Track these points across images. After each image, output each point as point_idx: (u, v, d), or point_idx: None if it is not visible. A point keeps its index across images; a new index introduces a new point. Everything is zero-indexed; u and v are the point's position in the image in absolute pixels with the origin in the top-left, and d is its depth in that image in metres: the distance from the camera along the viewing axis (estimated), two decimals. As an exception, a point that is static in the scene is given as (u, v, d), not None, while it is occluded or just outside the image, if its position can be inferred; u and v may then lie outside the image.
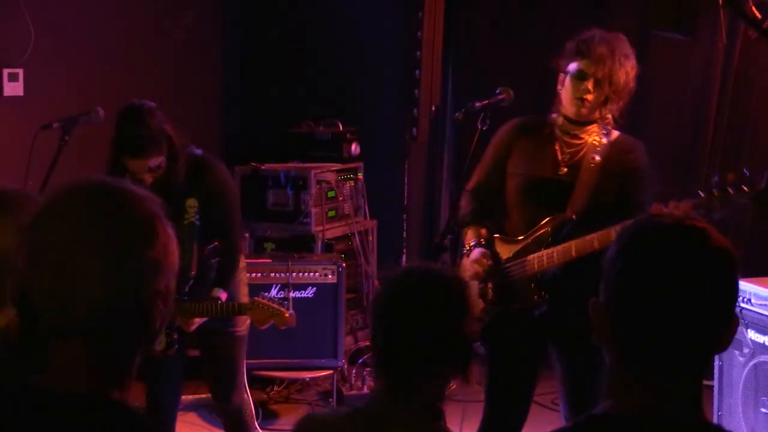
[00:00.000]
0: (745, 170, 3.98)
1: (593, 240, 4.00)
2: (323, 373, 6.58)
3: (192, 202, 4.53)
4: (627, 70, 4.17)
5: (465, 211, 4.42)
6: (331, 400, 6.47)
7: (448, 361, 2.60)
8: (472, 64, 7.64)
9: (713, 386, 5.20)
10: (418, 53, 7.65)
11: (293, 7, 7.99)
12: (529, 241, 4.19)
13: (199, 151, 4.64)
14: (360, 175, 7.33)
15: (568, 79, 4.17)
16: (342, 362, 6.47)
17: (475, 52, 7.67)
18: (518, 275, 4.20)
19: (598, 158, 4.17)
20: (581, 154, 4.20)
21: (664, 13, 4.93)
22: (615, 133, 4.27)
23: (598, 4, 7.29)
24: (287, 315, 4.63)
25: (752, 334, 4.97)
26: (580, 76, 4.14)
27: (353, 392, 6.58)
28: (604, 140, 4.22)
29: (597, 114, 4.21)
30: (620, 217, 3.95)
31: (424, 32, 7.61)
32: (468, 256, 4.23)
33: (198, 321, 4.56)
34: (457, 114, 4.35)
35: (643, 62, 7.15)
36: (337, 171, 7.19)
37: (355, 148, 7.40)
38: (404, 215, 7.69)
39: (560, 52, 4.26)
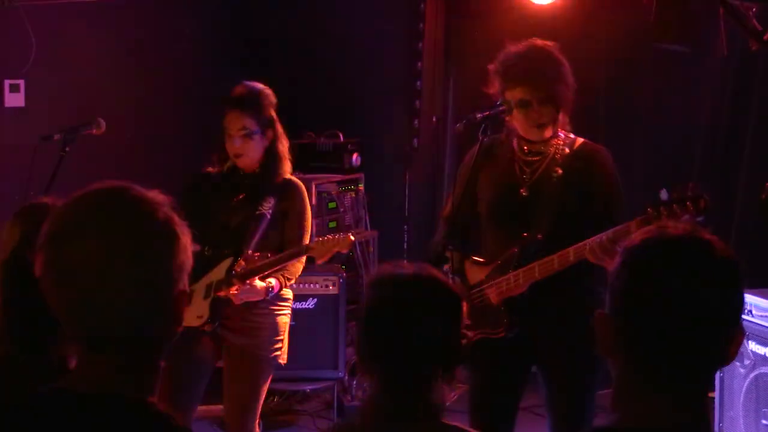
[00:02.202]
0: (690, 186, 3.90)
1: (553, 260, 3.98)
2: (324, 385, 6.58)
3: (270, 200, 4.66)
4: (563, 77, 4.14)
5: (438, 238, 4.41)
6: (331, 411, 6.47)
7: (439, 361, 2.59)
8: (473, 75, 7.64)
9: (714, 398, 5.19)
10: (420, 64, 7.66)
11: (294, 18, 7.99)
12: (499, 263, 4.16)
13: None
14: (361, 186, 7.34)
15: (514, 109, 4.14)
16: (343, 373, 6.46)
17: (476, 63, 7.66)
18: (488, 299, 4.18)
19: (559, 171, 4.13)
20: (542, 170, 4.17)
21: (667, 25, 4.93)
22: (578, 141, 4.23)
23: (598, 15, 7.30)
24: (351, 238, 4.68)
25: (753, 346, 4.96)
26: (524, 105, 4.11)
27: (354, 403, 6.57)
28: (567, 150, 4.18)
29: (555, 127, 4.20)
30: (590, 231, 3.94)
31: (425, 43, 7.63)
32: None
33: (248, 285, 4.54)
34: (458, 125, 4.36)
35: (642, 73, 7.21)
36: (338, 182, 7.19)
37: (356, 159, 7.40)
38: (405, 226, 7.69)
39: (486, 77, 4.22)
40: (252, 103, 4.67)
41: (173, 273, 1.79)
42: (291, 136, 7.55)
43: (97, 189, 1.81)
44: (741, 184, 6.84)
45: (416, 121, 7.70)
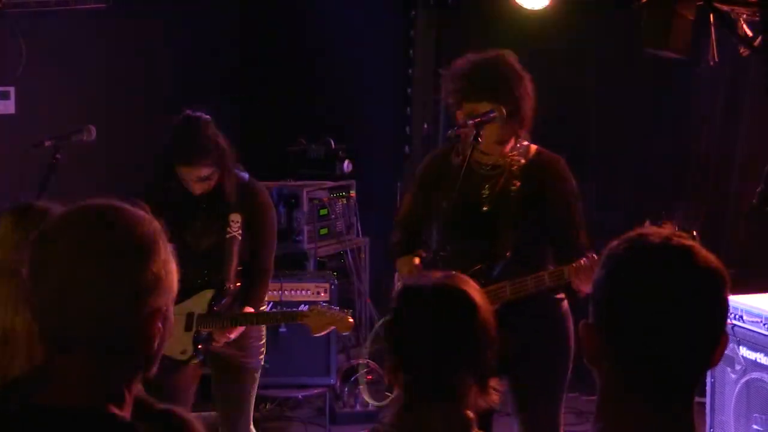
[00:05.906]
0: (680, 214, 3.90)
1: (526, 281, 3.96)
2: (316, 391, 6.57)
3: (236, 217, 4.56)
4: (528, 91, 4.06)
5: (395, 241, 4.40)
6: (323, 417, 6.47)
7: (467, 370, 2.56)
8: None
9: (705, 403, 5.20)
10: (411, 71, 7.67)
11: (288, 27, 8.01)
12: None
13: (246, 175, 4.69)
14: (352, 193, 7.34)
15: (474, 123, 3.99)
16: (334, 380, 6.46)
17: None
18: None
19: (517, 184, 4.09)
20: (500, 184, 4.12)
21: (656, 31, 4.93)
22: (532, 149, 4.18)
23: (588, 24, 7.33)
24: (350, 320, 4.59)
25: (744, 351, 4.97)
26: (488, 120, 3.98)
27: (346, 410, 6.56)
28: (522, 160, 4.13)
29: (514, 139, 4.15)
30: (553, 243, 3.98)
31: (416, 50, 7.64)
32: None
33: (236, 332, 4.53)
34: (449, 132, 4.32)
35: (633, 80, 7.23)
36: (330, 189, 7.19)
37: (347, 165, 7.40)
38: (397, 233, 7.69)
39: (438, 86, 4.15)
40: (203, 153, 4.44)
41: (143, 286, 1.79)
42: (283, 142, 7.60)
43: (87, 202, 1.85)
44: (732, 189, 6.86)
45: (407, 128, 7.70)
